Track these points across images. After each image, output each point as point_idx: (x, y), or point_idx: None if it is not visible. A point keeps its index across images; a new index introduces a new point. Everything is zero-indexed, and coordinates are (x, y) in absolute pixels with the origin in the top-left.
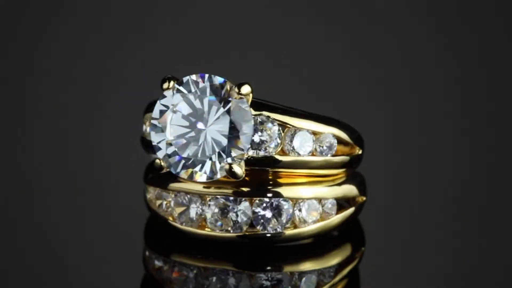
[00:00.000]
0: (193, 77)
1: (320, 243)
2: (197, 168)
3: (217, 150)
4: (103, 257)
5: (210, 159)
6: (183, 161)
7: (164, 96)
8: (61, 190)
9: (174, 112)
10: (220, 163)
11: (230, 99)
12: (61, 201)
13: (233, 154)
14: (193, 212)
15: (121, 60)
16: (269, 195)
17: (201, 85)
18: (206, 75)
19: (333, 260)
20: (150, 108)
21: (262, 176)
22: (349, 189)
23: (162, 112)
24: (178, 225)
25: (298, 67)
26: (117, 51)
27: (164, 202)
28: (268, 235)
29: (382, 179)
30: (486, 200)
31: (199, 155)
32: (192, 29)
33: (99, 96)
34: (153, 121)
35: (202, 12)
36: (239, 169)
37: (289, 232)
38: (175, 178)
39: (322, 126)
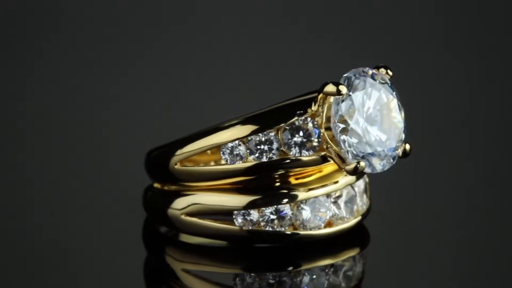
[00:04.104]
0: (353, 73)
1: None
2: (386, 159)
3: (402, 134)
4: (103, 260)
5: (398, 145)
6: (379, 155)
7: (344, 99)
8: (61, 191)
9: (364, 111)
10: (400, 146)
11: (389, 83)
12: (61, 202)
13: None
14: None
15: (123, 62)
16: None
17: (365, 79)
18: (355, 69)
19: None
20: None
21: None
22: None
23: (351, 116)
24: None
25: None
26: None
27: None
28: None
29: (385, 182)
30: (493, 202)
31: (392, 144)
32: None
33: (99, 97)
34: (340, 125)
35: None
36: (409, 147)
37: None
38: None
39: None
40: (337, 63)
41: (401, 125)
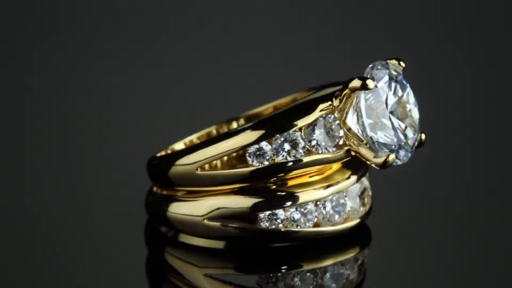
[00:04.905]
0: (372, 67)
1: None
2: (408, 149)
3: (418, 124)
4: (105, 260)
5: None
6: (402, 147)
7: (369, 93)
8: (61, 191)
9: (388, 104)
10: (417, 136)
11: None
12: (61, 203)
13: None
14: None
15: (123, 60)
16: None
17: (384, 72)
18: (374, 63)
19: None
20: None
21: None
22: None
23: (376, 109)
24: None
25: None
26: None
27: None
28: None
29: (386, 181)
30: (493, 201)
31: (412, 134)
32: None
33: (99, 97)
34: (368, 120)
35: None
36: (425, 136)
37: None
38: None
39: None
40: (338, 61)
41: (417, 115)
